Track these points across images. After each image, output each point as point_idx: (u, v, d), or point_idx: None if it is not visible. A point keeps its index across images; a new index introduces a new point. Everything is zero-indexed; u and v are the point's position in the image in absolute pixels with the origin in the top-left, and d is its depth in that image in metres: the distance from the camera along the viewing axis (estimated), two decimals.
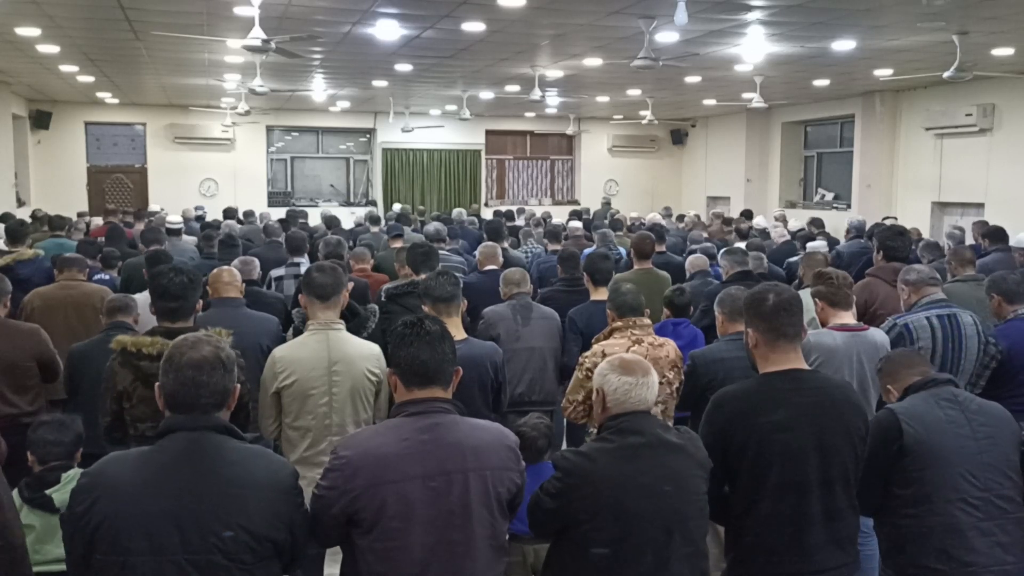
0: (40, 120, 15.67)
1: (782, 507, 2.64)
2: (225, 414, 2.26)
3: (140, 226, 9.91)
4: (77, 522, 2.09)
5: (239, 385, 2.34)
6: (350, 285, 3.87)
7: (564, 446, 4.91)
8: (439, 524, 2.26)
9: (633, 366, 2.60)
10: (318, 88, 13.70)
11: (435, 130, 17.64)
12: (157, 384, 2.26)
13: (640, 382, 2.55)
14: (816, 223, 10.54)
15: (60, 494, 3.10)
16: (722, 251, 6.33)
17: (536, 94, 11.76)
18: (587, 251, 6.34)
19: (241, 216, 12.49)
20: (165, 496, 2.07)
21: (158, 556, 2.05)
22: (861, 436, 2.77)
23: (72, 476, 3.18)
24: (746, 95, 12.83)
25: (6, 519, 2.31)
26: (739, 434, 2.66)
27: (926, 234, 11.30)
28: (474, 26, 8.45)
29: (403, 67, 11.21)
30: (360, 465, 2.26)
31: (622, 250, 8.01)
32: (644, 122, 14.92)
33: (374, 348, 3.53)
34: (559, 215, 13.09)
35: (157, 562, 2.05)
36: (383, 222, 10.74)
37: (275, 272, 6.54)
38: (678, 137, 19.46)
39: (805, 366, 2.81)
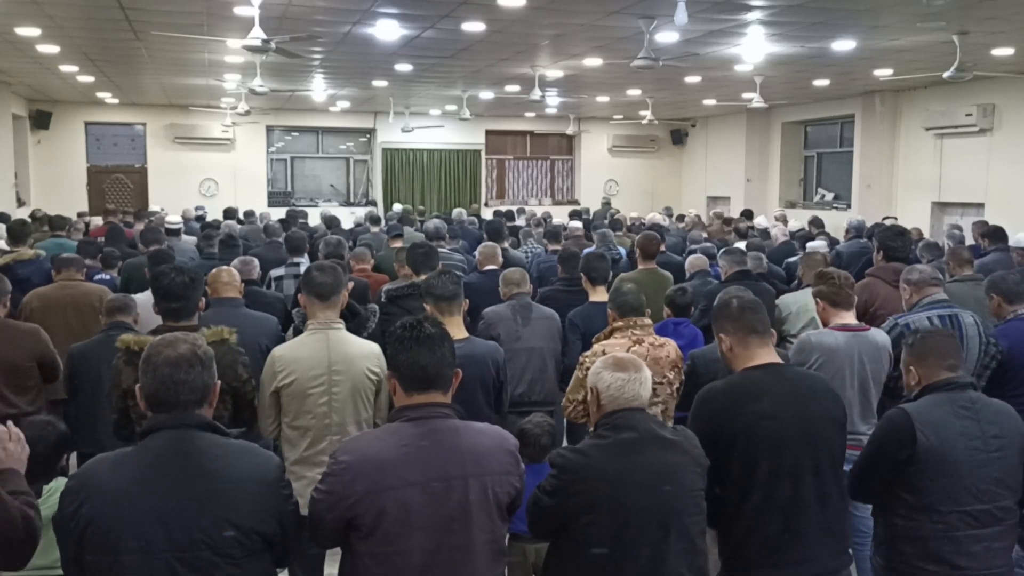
0: (40, 120, 15.66)
1: (774, 496, 2.67)
2: (207, 411, 2.26)
3: (140, 226, 9.90)
4: (67, 524, 2.11)
5: (218, 382, 2.33)
6: (350, 285, 3.87)
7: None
8: (439, 529, 2.25)
9: (626, 363, 2.61)
10: (318, 88, 13.70)
11: (435, 130, 17.63)
12: (138, 385, 2.26)
13: (633, 378, 2.56)
14: (816, 223, 10.52)
15: (44, 509, 3.03)
16: (721, 251, 6.33)
17: (536, 94, 11.75)
18: (586, 251, 6.33)
19: (241, 216, 12.49)
20: (151, 494, 2.09)
21: (147, 554, 2.06)
22: (841, 423, 2.84)
23: (54, 488, 3.10)
24: (746, 95, 12.83)
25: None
26: (727, 426, 2.70)
27: (926, 234, 11.28)
28: (474, 26, 8.44)
29: (403, 67, 11.21)
30: (359, 471, 2.25)
31: (622, 250, 8.02)
32: (644, 122, 14.92)
33: (374, 347, 3.52)
34: (559, 215, 13.07)
35: (146, 560, 2.06)
36: (383, 222, 10.73)
37: (275, 272, 6.54)
38: (678, 137, 19.45)
39: (779, 360, 2.90)
